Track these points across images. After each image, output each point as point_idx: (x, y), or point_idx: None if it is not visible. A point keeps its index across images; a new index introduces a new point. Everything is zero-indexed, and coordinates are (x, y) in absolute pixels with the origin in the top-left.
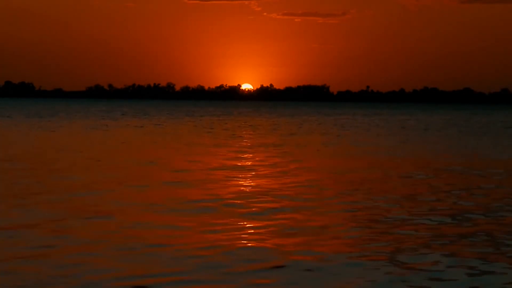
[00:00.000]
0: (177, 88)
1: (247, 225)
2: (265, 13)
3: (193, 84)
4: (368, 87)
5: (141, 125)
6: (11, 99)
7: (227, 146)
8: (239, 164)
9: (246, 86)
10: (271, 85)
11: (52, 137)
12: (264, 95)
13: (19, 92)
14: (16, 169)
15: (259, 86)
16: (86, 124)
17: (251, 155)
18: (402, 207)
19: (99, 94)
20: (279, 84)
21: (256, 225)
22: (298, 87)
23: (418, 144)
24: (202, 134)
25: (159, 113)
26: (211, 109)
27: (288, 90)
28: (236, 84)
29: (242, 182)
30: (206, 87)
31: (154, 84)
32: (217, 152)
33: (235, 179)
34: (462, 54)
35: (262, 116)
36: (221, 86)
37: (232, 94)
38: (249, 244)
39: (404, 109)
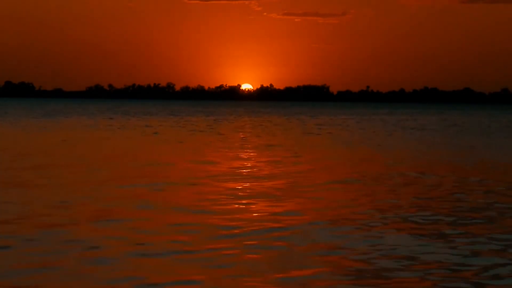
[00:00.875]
0: (177, 88)
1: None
2: (265, 13)
3: (193, 84)
4: (368, 87)
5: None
6: (11, 99)
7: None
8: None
9: (246, 86)
10: (271, 85)
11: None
12: (264, 95)
13: (19, 92)
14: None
15: (259, 86)
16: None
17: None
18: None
19: (99, 94)
20: (279, 84)
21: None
22: (298, 87)
23: None
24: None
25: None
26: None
27: (288, 90)
28: (236, 84)
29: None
30: (206, 87)
31: (154, 84)
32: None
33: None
34: (462, 54)
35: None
36: (221, 86)
37: (232, 94)
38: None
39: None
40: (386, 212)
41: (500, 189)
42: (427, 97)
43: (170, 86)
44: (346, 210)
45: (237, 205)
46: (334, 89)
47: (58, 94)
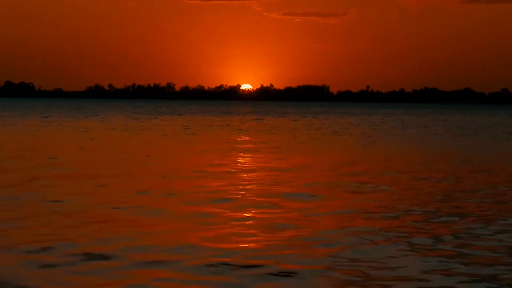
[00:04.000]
0: (177, 88)
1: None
2: (265, 13)
3: (193, 84)
4: (368, 87)
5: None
6: (11, 99)
7: None
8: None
9: (246, 86)
10: (271, 85)
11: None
12: (264, 95)
13: (19, 92)
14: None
15: (259, 86)
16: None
17: None
18: None
19: (99, 94)
20: (279, 84)
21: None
22: (298, 87)
23: None
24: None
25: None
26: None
27: (288, 90)
28: (236, 84)
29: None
30: (206, 87)
31: (154, 84)
32: None
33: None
34: (462, 54)
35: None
36: (221, 86)
37: (232, 94)
38: None
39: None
40: None
41: None
42: (427, 97)
43: (170, 86)
44: None
45: None
46: (334, 89)
47: (58, 94)
